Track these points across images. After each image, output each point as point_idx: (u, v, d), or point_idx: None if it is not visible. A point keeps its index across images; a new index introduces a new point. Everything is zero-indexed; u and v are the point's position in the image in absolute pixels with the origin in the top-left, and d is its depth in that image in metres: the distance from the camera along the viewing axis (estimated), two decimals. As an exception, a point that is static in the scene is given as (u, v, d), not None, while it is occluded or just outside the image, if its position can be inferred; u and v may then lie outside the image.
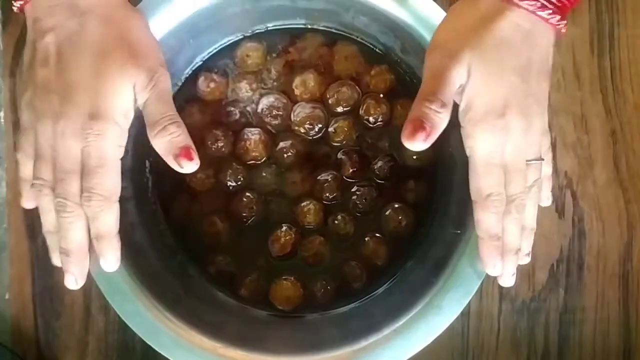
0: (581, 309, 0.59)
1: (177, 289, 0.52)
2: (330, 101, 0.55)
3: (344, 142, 0.55)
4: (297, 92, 0.55)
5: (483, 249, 0.43)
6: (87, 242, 0.42)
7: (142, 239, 0.52)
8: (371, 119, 0.55)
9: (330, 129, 0.55)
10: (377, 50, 0.56)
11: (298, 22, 0.56)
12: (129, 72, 0.40)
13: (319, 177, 0.55)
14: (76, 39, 0.41)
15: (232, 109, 0.56)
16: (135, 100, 0.41)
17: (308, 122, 0.55)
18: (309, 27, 0.56)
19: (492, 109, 0.40)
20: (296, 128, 0.55)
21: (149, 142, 0.42)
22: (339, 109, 0.55)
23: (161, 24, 0.48)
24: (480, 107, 0.40)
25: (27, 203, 0.44)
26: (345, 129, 0.55)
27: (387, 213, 0.55)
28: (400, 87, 0.56)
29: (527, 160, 0.42)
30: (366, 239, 0.55)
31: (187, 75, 0.56)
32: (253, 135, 0.54)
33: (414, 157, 0.55)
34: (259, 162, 0.55)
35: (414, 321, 0.47)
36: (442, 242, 0.51)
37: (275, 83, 0.56)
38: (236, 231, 0.55)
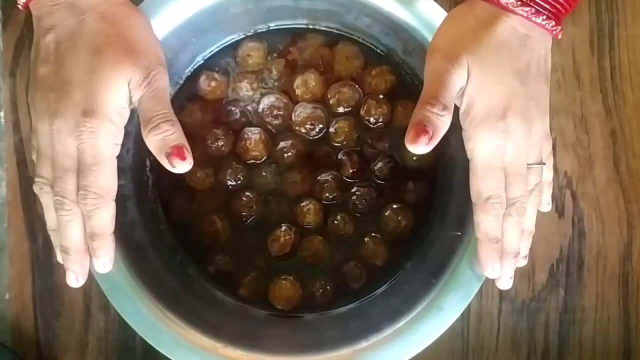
0: (581, 309, 0.59)
1: (176, 288, 0.52)
2: (331, 101, 0.55)
3: (345, 142, 0.55)
4: (298, 92, 0.55)
5: (482, 251, 0.43)
6: (86, 240, 0.43)
7: (142, 237, 0.52)
8: (372, 119, 0.55)
9: (331, 129, 0.55)
10: (378, 51, 0.56)
11: (300, 22, 0.56)
12: (123, 69, 0.41)
13: (319, 177, 0.55)
14: (74, 37, 0.41)
15: (233, 108, 0.56)
16: (131, 98, 0.41)
17: (309, 122, 0.55)
18: (311, 27, 0.56)
19: (493, 111, 0.40)
20: (297, 128, 0.55)
21: None
22: (340, 110, 0.55)
23: (163, 23, 0.48)
24: (480, 109, 0.40)
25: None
26: (346, 129, 0.55)
27: (387, 214, 0.55)
28: (401, 88, 0.56)
29: (528, 164, 0.42)
30: (366, 239, 0.55)
31: (189, 74, 0.56)
32: (253, 135, 0.54)
33: (414, 158, 0.55)
34: (259, 161, 0.55)
35: (414, 322, 0.47)
36: (442, 244, 0.51)
37: (276, 83, 0.56)
38: (235, 230, 0.55)
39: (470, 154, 0.41)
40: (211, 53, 0.56)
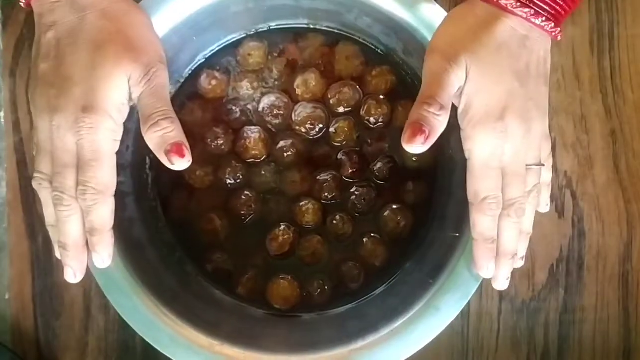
0: (581, 309, 0.59)
1: (174, 286, 0.52)
2: (331, 101, 0.55)
3: (345, 142, 0.55)
4: (298, 91, 0.55)
5: (477, 251, 0.43)
6: (84, 235, 0.43)
7: (141, 234, 0.52)
8: (372, 119, 0.55)
9: (331, 129, 0.55)
10: (378, 51, 0.56)
11: (301, 22, 0.56)
12: (123, 66, 0.41)
13: (318, 177, 0.55)
14: (75, 34, 0.41)
15: (233, 107, 0.56)
16: (131, 95, 0.41)
17: (309, 122, 0.55)
18: (311, 27, 0.56)
19: (491, 111, 0.40)
20: (297, 128, 0.55)
21: None
22: (340, 110, 0.55)
23: (164, 21, 0.48)
24: (479, 109, 0.40)
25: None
26: (346, 129, 0.55)
27: (386, 214, 0.55)
28: (402, 89, 0.56)
29: (527, 165, 0.42)
30: (364, 239, 0.55)
31: (190, 73, 0.56)
32: (253, 134, 0.54)
33: (414, 158, 0.55)
34: (259, 160, 0.56)
35: (411, 322, 0.47)
36: (440, 244, 0.51)
37: (276, 82, 0.56)
38: (234, 229, 0.55)
39: (468, 153, 0.41)
40: (212, 52, 0.56)
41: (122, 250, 0.47)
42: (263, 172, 0.55)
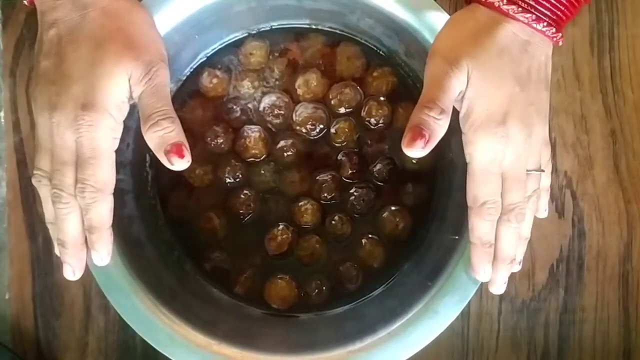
0: (581, 309, 0.59)
1: (173, 284, 0.52)
2: (332, 102, 0.55)
3: (345, 143, 0.55)
4: (299, 91, 0.55)
5: (474, 254, 0.43)
6: (83, 233, 0.43)
7: (140, 232, 0.52)
8: (372, 120, 0.55)
9: (332, 130, 0.55)
10: (380, 52, 0.56)
11: (302, 22, 0.56)
12: (124, 64, 0.41)
13: (317, 177, 0.55)
14: (76, 32, 0.41)
15: (234, 106, 0.56)
16: (131, 93, 0.41)
17: (310, 122, 0.55)
18: (313, 27, 0.56)
19: (493, 116, 0.40)
20: (297, 128, 0.55)
21: None
22: (341, 110, 0.55)
23: (166, 19, 0.48)
24: (480, 113, 0.40)
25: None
26: (347, 130, 0.55)
27: (385, 215, 0.55)
28: (403, 90, 0.55)
29: (527, 170, 0.42)
30: (363, 240, 0.55)
31: (191, 71, 0.56)
32: (253, 133, 0.54)
33: (414, 160, 0.55)
34: (259, 159, 0.56)
35: (409, 324, 0.47)
36: (439, 247, 0.51)
37: (277, 82, 0.56)
38: (233, 228, 0.55)
39: (468, 157, 0.41)
40: (214, 50, 0.56)
41: (122, 249, 0.47)
42: (262, 172, 0.55)
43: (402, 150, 0.40)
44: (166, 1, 0.48)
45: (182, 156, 0.41)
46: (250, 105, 0.56)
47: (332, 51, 0.56)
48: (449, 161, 0.52)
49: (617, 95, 0.59)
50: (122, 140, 0.42)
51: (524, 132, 0.41)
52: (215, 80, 0.55)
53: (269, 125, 0.56)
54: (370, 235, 0.55)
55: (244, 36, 0.56)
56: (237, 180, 0.55)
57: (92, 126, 0.40)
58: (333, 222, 0.55)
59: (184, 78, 0.56)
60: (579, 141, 0.59)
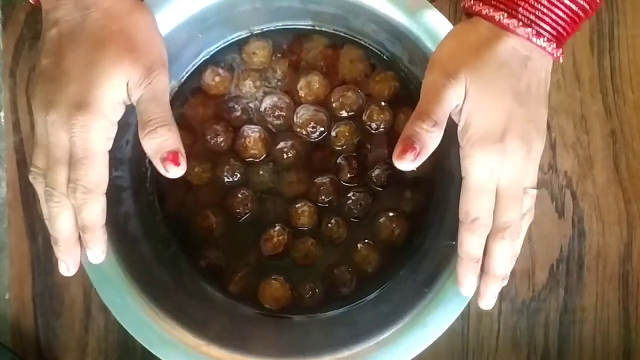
0: (581, 309, 0.59)
1: (167, 282, 0.52)
2: (334, 105, 0.55)
3: (345, 146, 0.55)
4: (301, 93, 0.55)
5: (461, 268, 0.43)
6: (76, 231, 0.43)
7: (136, 229, 0.52)
8: (373, 124, 0.55)
9: (332, 133, 0.55)
10: (384, 56, 0.56)
11: (306, 23, 0.56)
12: (123, 66, 0.40)
13: (316, 180, 0.55)
14: (77, 31, 0.41)
15: (235, 105, 0.56)
16: (129, 96, 0.41)
17: (311, 125, 0.54)
18: (317, 28, 0.56)
19: (491, 131, 0.40)
20: (298, 129, 0.55)
21: None
22: (343, 113, 0.55)
23: (170, 18, 0.48)
24: (478, 128, 0.40)
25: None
26: (347, 133, 0.55)
27: (381, 220, 0.55)
28: (405, 95, 0.55)
29: (525, 187, 0.42)
30: (358, 244, 0.55)
31: (194, 68, 0.56)
32: (253, 133, 0.54)
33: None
34: (258, 159, 0.55)
35: (400, 334, 0.47)
36: (436, 254, 0.51)
37: (279, 83, 0.56)
38: (229, 227, 0.55)
39: (464, 172, 0.41)
40: (217, 48, 0.56)
41: (116, 246, 0.47)
42: (261, 172, 0.55)
43: None
44: (170, 0, 0.48)
45: (177, 164, 0.41)
46: (251, 105, 0.56)
47: (335, 53, 0.56)
48: (447, 170, 0.52)
49: (617, 95, 0.59)
50: (121, 137, 0.42)
51: (523, 149, 0.40)
52: (217, 79, 0.55)
53: (270, 126, 0.56)
54: (365, 240, 0.55)
55: (247, 35, 0.56)
56: (236, 179, 0.55)
57: (85, 126, 0.40)
58: (329, 225, 0.55)
59: (187, 75, 0.56)
60: (579, 141, 0.59)
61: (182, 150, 0.41)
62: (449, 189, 0.51)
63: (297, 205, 0.55)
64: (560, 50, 0.41)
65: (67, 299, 0.58)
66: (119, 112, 0.42)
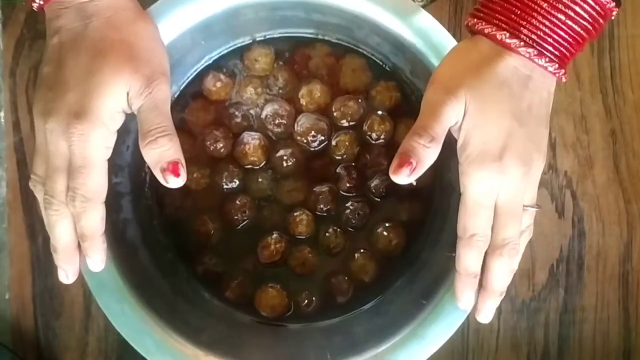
0: (581, 309, 0.59)
1: (164, 288, 0.52)
2: (335, 114, 0.55)
3: (345, 156, 0.55)
4: (302, 101, 0.55)
5: (458, 283, 0.43)
6: (75, 239, 0.43)
7: (135, 235, 0.52)
8: (374, 135, 0.55)
9: (332, 142, 0.55)
10: (386, 67, 0.55)
11: (309, 32, 0.56)
12: (122, 76, 0.40)
13: (315, 188, 0.55)
14: (78, 40, 0.41)
15: (235, 111, 0.55)
16: (130, 105, 0.41)
17: (311, 134, 0.54)
18: (320, 37, 0.56)
19: (489, 150, 0.40)
20: (298, 138, 0.55)
21: None
22: (344, 123, 0.55)
23: (175, 25, 0.48)
24: (477, 145, 0.40)
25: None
26: (347, 143, 0.55)
27: (379, 230, 0.55)
28: (406, 107, 0.55)
29: (524, 205, 0.42)
30: (356, 254, 0.55)
31: (195, 73, 0.56)
32: (253, 140, 0.54)
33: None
34: (257, 167, 0.55)
35: (395, 349, 0.47)
36: (434, 265, 0.51)
37: (281, 90, 0.56)
38: (227, 233, 0.55)
39: (463, 188, 0.41)
40: (219, 54, 0.56)
41: (115, 253, 0.47)
42: (260, 179, 0.55)
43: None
44: (175, 8, 0.47)
45: (177, 175, 0.41)
46: (252, 112, 0.56)
47: (338, 62, 0.56)
48: (447, 182, 0.52)
49: (617, 95, 0.59)
50: (121, 143, 0.42)
51: (522, 168, 0.40)
52: (218, 84, 0.55)
53: (270, 134, 0.55)
54: (362, 250, 0.55)
55: (250, 42, 0.56)
56: (234, 185, 0.55)
57: (83, 135, 0.39)
58: (327, 234, 0.55)
59: (188, 80, 0.56)
60: (579, 141, 0.59)
61: (183, 161, 0.41)
62: (449, 200, 0.51)
63: (295, 214, 0.55)
64: (563, 71, 0.41)
65: (67, 299, 0.58)
66: (118, 121, 0.41)
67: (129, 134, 0.50)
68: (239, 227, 0.55)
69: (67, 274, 0.43)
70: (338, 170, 0.55)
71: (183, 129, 0.55)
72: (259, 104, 0.56)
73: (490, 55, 0.40)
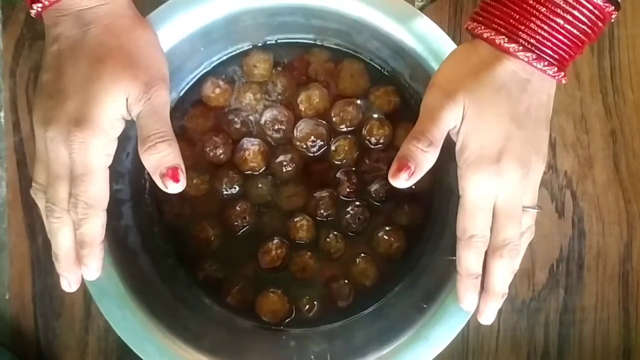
0: (581, 309, 0.59)
1: (165, 294, 0.52)
2: (334, 119, 0.55)
3: (344, 161, 0.55)
4: (301, 107, 0.55)
5: (460, 285, 0.43)
6: (77, 247, 0.42)
7: (135, 242, 0.52)
8: (373, 139, 0.55)
9: (332, 147, 0.55)
10: (384, 72, 0.55)
11: (308, 37, 0.56)
12: (121, 83, 0.40)
13: (315, 194, 0.55)
14: (76, 47, 0.41)
15: (234, 117, 0.55)
16: (129, 112, 0.41)
17: (311, 139, 0.54)
18: (319, 43, 0.56)
19: (487, 153, 0.40)
20: (298, 143, 0.55)
21: None
22: (343, 128, 0.55)
23: (174, 32, 0.48)
24: (474, 149, 0.40)
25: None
26: (346, 148, 0.55)
27: (379, 235, 0.55)
28: (405, 111, 0.55)
29: (524, 207, 0.42)
30: (356, 259, 0.55)
31: (194, 80, 0.56)
32: (252, 146, 0.54)
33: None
34: (257, 172, 0.55)
35: (398, 351, 0.47)
36: (434, 269, 0.51)
37: (280, 96, 0.56)
38: (227, 239, 0.55)
39: (461, 191, 0.41)
40: (218, 60, 0.56)
41: (116, 258, 0.47)
42: (260, 185, 0.55)
43: None
44: (175, 15, 0.47)
45: (177, 180, 0.40)
46: (251, 118, 0.56)
47: (336, 68, 0.56)
48: (446, 185, 0.52)
49: (617, 95, 0.59)
50: (122, 150, 0.42)
51: (520, 170, 0.40)
52: (217, 90, 0.55)
53: (269, 139, 0.55)
54: (363, 254, 0.55)
55: (249, 48, 0.56)
56: (234, 191, 0.55)
57: (84, 143, 0.39)
58: (327, 239, 0.55)
59: (187, 86, 0.56)
60: (579, 141, 0.59)
61: (182, 166, 0.41)
62: (448, 203, 0.51)
63: (295, 219, 0.55)
64: (563, 74, 0.41)
65: (67, 299, 0.57)
66: (118, 128, 0.41)
67: (129, 141, 0.50)
68: (239, 233, 0.55)
69: (69, 283, 0.43)
70: (338, 175, 0.55)
71: (183, 136, 0.55)
72: (258, 110, 0.56)
73: (489, 59, 0.41)
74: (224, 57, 0.56)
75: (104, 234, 0.42)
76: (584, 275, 0.59)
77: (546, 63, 0.40)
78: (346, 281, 0.55)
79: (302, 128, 0.55)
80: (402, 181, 0.40)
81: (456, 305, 0.45)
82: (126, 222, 0.52)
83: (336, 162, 0.55)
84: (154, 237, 0.55)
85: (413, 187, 0.54)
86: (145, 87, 0.41)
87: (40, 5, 0.41)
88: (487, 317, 0.44)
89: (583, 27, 0.40)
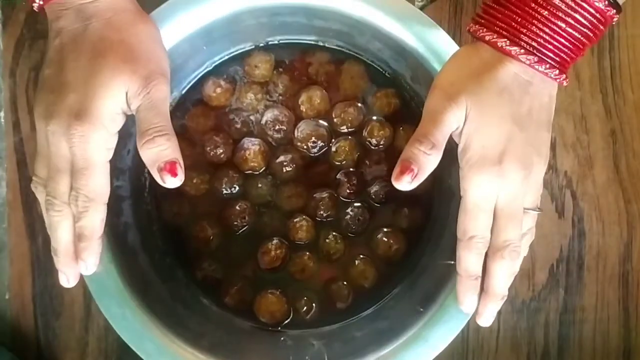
0: (581, 309, 0.59)
1: (164, 293, 0.52)
2: (335, 120, 0.55)
3: (344, 162, 0.55)
4: (302, 108, 0.55)
5: (460, 286, 0.43)
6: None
7: (135, 240, 0.52)
8: (373, 141, 0.55)
9: (332, 148, 0.55)
10: (385, 74, 0.56)
11: (310, 38, 0.56)
12: (121, 76, 0.40)
13: (315, 194, 0.55)
14: (78, 42, 0.41)
15: (235, 117, 0.55)
16: (129, 106, 0.41)
17: (311, 140, 0.54)
18: (320, 44, 0.56)
19: (489, 154, 0.40)
20: (298, 144, 0.55)
21: None
22: (344, 129, 0.55)
23: (176, 30, 0.48)
24: (477, 150, 0.40)
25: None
26: (347, 149, 0.55)
27: (379, 236, 0.55)
28: (406, 112, 0.55)
29: (525, 208, 0.42)
30: (355, 260, 0.55)
31: (196, 79, 0.56)
32: (253, 146, 0.54)
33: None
34: (257, 172, 0.55)
35: (399, 350, 0.47)
36: (433, 272, 0.51)
37: (281, 97, 0.56)
38: (226, 239, 0.55)
39: (463, 192, 0.41)
40: (220, 60, 0.56)
41: (115, 256, 0.47)
42: (260, 185, 0.55)
43: None
44: (177, 14, 0.48)
45: (175, 175, 0.40)
46: (252, 118, 0.56)
47: (337, 69, 0.56)
48: (447, 187, 0.52)
49: (617, 95, 0.59)
50: (122, 146, 0.42)
51: (522, 172, 0.41)
52: (218, 90, 0.55)
53: (270, 139, 0.55)
54: (362, 255, 0.55)
55: (251, 48, 0.56)
56: (234, 191, 0.55)
57: (84, 136, 0.40)
58: (327, 240, 0.55)
59: (188, 86, 0.56)
60: (579, 141, 0.59)
61: (181, 161, 0.41)
62: (448, 206, 0.51)
63: (295, 220, 0.55)
64: (564, 76, 0.41)
65: (67, 299, 0.58)
66: (118, 123, 0.41)
67: (130, 137, 0.50)
68: (239, 232, 0.55)
69: (68, 278, 0.43)
70: (338, 176, 0.55)
71: (183, 135, 0.55)
72: (259, 110, 0.56)
73: (491, 62, 0.41)
74: (226, 57, 0.56)
75: (103, 228, 0.42)
76: (584, 275, 0.59)
77: (548, 66, 0.40)
78: (345, 282, 0.55)
79: (303, 129, 0.55)
80: (405, 184, 0.40)
81: (456, 306, 0.45)
82: (126, 219, 0.52)
83: (336, 163, 0.55)
84: (153, 236, 0.55)
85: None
86: (145, 81, 0.41)
87: None
88: (486, 319, 0.44)
89: (584, 30, 0.40)
